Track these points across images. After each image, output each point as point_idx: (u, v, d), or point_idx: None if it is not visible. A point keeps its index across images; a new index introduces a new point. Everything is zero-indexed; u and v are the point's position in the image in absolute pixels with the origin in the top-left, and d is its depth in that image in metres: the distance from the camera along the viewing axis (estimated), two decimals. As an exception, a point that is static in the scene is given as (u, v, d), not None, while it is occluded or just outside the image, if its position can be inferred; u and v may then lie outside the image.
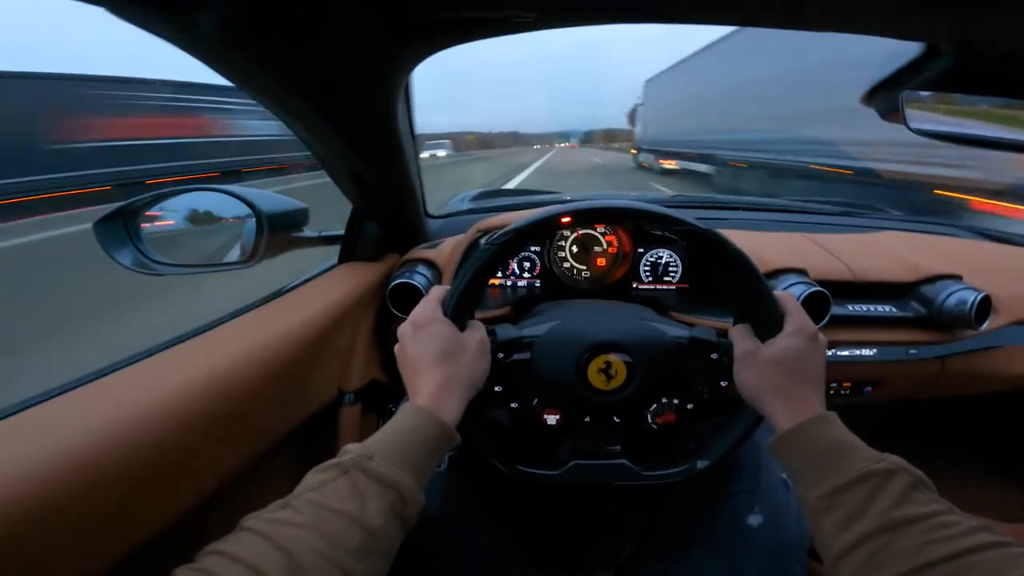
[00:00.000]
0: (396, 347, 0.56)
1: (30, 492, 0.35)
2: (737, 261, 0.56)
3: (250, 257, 0.74)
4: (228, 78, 0.47)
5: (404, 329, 0.55)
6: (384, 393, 0.82)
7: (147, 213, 0.74)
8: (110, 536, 0.42)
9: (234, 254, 0.77)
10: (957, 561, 0.34)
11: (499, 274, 0.85)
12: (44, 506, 0.36)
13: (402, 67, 0.51)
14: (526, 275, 0.85)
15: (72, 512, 0.38)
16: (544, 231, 0.58)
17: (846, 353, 0.88)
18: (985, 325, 0.87)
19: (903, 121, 0.60)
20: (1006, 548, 0.35)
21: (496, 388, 0.63)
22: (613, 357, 0.62)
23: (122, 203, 0.72)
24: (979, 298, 0.84)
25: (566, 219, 0.56)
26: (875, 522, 0.39)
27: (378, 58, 0.49)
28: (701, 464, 0.62)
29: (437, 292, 0.58)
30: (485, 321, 0.60)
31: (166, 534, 0.46)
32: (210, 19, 0.39)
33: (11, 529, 0.34)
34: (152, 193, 0.74)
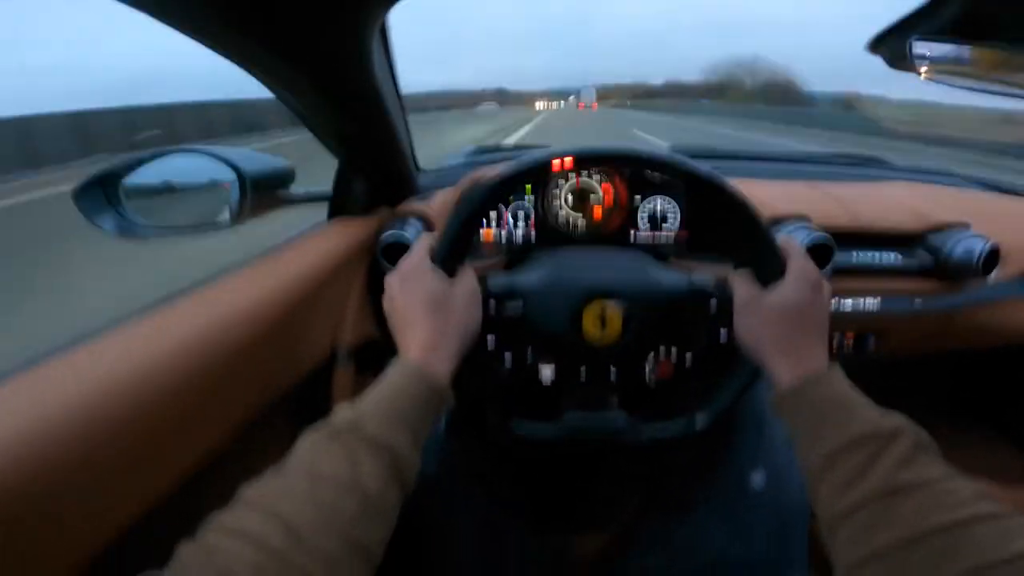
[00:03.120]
0: (384, 299, 0.55)
1: (12, 471, 0.34)
2: (736, 204, 0.54)
3: (235, 218, 0.72)
4: (191, 35, 0.45)
5: (392, 279, 0.54)
6: (379, 351, 0.82)
7: (127, 177, 0.72)
8: (104, 509, 0.41)
9: (220, 216, 0.75)
10: (957, 530, 0.34)
11: (493, 225, 0.83)
12: (28, 484, 0.34)
13: (374, 10, 0.48)
14: (521, 227, 0.84)
15: (62, 489, 0.37)
16: (535, 177, 0.56)
17: (849, 304, 0.87)
18: (993, 275, 0.85)
19: (914, 69, 0.58)
20: (1007, 519, 0.34)
21: (489, 341, 0.62)
22: (608, 305, 0.60)
23: (100, 170, 0.69)
24: (987, 247, 0.82)
25: (556, 164, 0.54)
26: (875, 485, 0.38)
27: (346, 1, 0.46)
28: (700, 420, 0.61)
29: (425, 240, 0.56)
30: (477, 273, 0.58)
31: (165, 503, 0.46)
32: None
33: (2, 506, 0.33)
34: (131, 156, 0.71)
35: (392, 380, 0.46)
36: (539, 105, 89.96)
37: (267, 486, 0.37)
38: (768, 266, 0.53)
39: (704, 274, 0.65)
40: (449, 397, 0.48)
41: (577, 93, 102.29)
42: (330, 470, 0.38)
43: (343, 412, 0.43)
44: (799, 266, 0.52)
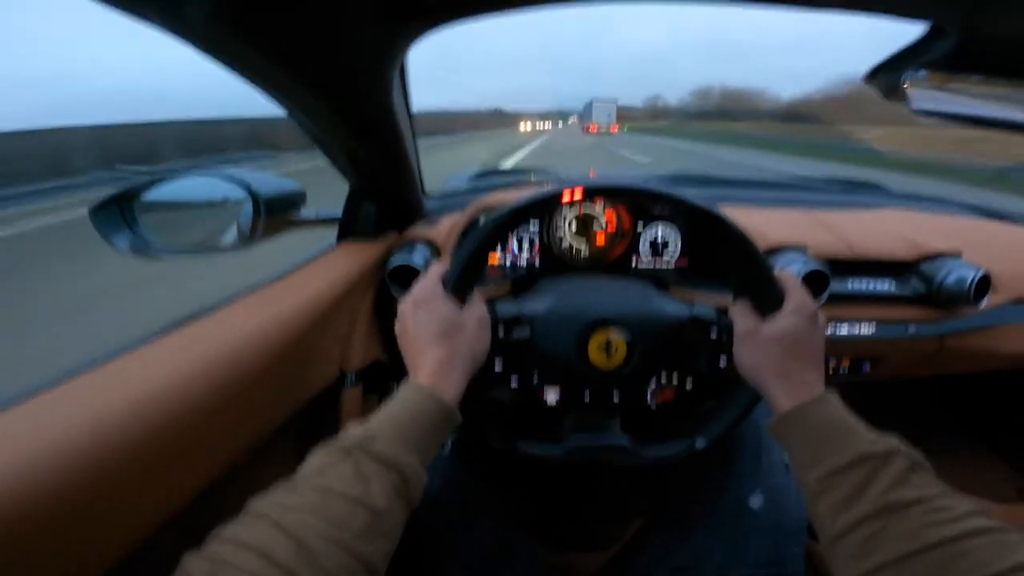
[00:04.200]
0: (396, 325, 0.56)
1: (33, 484, 0.35)
2: (737, 239, 0.55)
3: (247, 240, 0.74)
4: (217, 60, 0.46)
5: (404, 306, 0.55)
6: (386, 373, 0.83)
7: (142, 196, 0.74)
8: (117, 525, 0.42)
9: (231, 237, 0.77)
10: (952, 545, 0.35)
11: (498, 252, 0.85)
12: (48, 498, 0.36)
13: (398, 44, 0.50)
14: (525, 253, 0.85)
15: (77, 503, 0.38)
16: (543, 209, 0.57)
17: (845, 330, 0.88)
18: (984, 303, 0.87)
19: (906, 102, 0.60)
20: (1001, 534, 0.35)
21: (496, 365, 0.64)
22: (613, 334, 0.62)
23: (117, 189, 0.71)
24: (978, 275, 0.84)
25: (566, 197, 0.56)
26: (872, 505, 0.39)
27: (373, 35, 0.48)
28: (700, 443, 0.62)
29: (437, 269, 0.57)
30: (486, 300, 0.60)
31: (174, 519, 0.47)
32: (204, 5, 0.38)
33: (15, 523, 0.34)
34: (148, 178, 0.73)
35: (402, 401, 0.47)
36: (524, 127, 65.28)
37: (275, 499, 0.38)
38: (766, 298, 0.55)
39: (705, 303, 0.66)
40: (457, 419, 0.50)
41: (585, 111, 63.95)
42: (339, 486, 0.39)
43: (353, 430, 0.44)
44: (796, 298, 0.54)
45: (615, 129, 54.13)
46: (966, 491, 0.40)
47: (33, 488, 0.35)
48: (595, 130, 51.96)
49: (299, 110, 0.60)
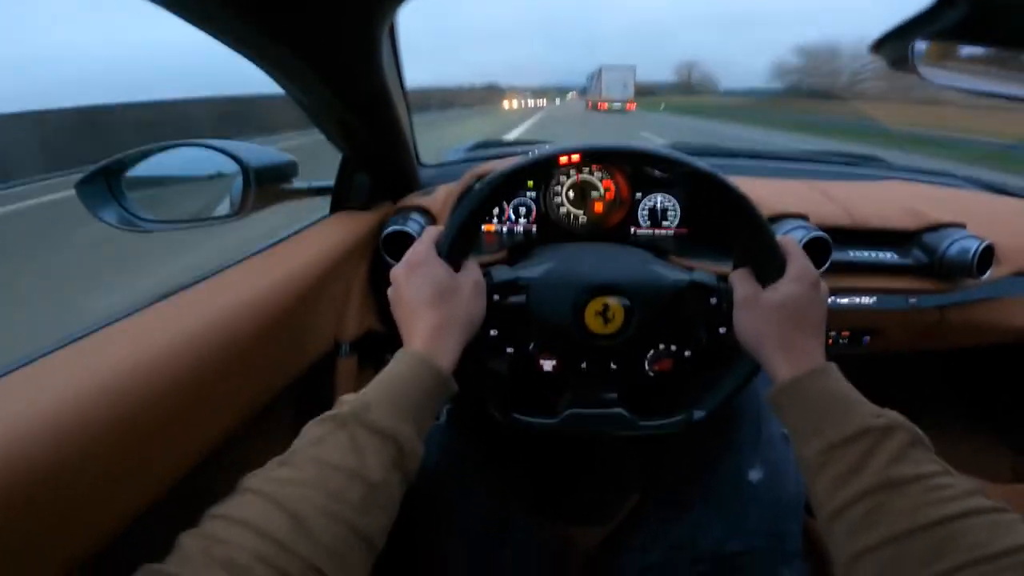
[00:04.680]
0: (390, 290, 0.55)
1: (18, 461, 0.34)
2: (739, 204, 0.54)
3: (238, 211, 0.72)
4: (203, 28, 0.45)
5: (398, 271, 0.54)
6: (381, 342, 0.82)
7: (130, 170, 0.72)
8: (110, 501, 0.41)
9: (222, 208, 0.76)
10: (950, 524, 0.35)
11: (495, 220, 0.84)
12: (37, 474, 0.35)
13: (383, 7, 0.49)
14: (522, 221, 0.84)
15: (67, 480, 0.37)
16: (540, 172, 0.56)
17: (846, 301, 0.88)
18: (987, 275, 0.86)
19: (914, 71, 0.58)
20: (999, 514, 0.35)
21: (492, 332, 0.63)
22: (611, 300, 0.61)
23: (104, 161, 0.69)
24: (982, 247, 0.83)
25: (563, 159, 0.55)
26: (871, 480, 0.39)
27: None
28: (698, 414, 0.62)
29: (431, 232, 0.56)
30: (481, 266, 0.59)
31: (168, 496, 0.46)
32: None
33: (4, 498, 0.33)
34: (135, 150, 0.72)
35: (397, 370, 0.47)
36: (510, 104, 48.57)
37: (270, 475, 0.37)
38: (768, 265, 0.54)
39: (704, 270, 0.65)
40: (452, 387, 0.49)
41: (591, 82, 50.91)
42: (335, 458, 0.38)
43: (348, 401, 0.43)
44: (798, 265, 0.53)
45: (632, 106, 39.51)
46: (965, 468, 0.39)
47: (22, 463, 0.34)
48: (605, 107, 39.44)
49: (286, 77, 0.58)
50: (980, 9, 0.45)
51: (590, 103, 44.84)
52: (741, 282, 0.56)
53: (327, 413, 0.42)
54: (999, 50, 0.55)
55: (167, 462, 0.47)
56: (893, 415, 0.42)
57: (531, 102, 59.20)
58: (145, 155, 0.72)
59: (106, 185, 0.70)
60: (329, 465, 0.38)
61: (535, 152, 0.55)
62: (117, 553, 0.41)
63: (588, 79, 51.78)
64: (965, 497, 0.36)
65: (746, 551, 0.70)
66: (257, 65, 0.53)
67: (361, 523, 0.37)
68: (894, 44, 0.57)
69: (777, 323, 0.51)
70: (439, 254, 0.54)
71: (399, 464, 0.41)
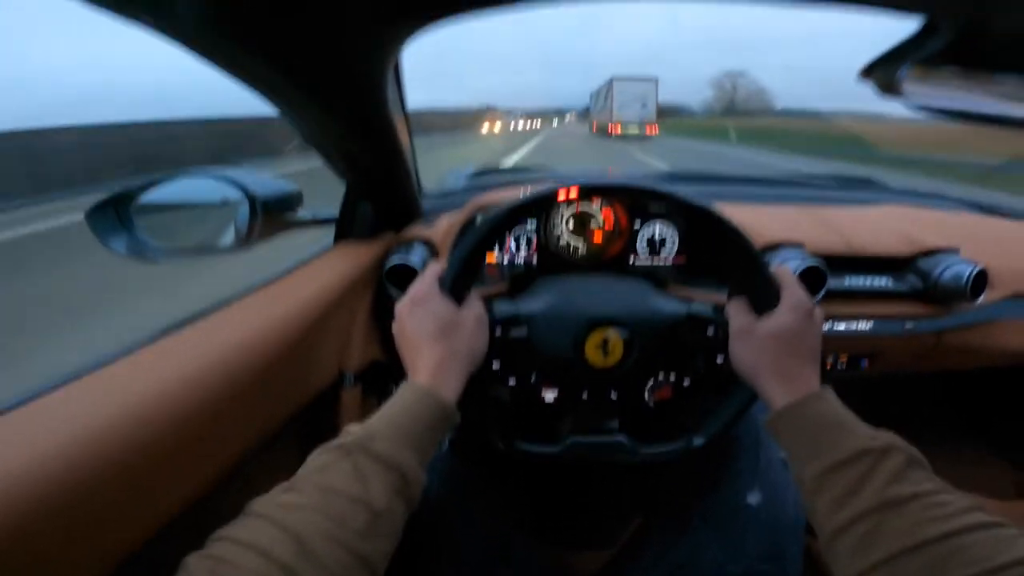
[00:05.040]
0: (394, 324, 0.56)
1: (31, 491, 0.35)
2: (732, 236, 0.56)
3: (244, 241, 0.73)
4: (208, 61, 0.46)
5: (401, 306, 0.55)
6: (385, 373, 0.83)
7: (138, 199, 0.73)
8: (117, 530, 0.42)
9: (228, 238, 0.77)
10: (950, 541, 0.35)
11: (496, 251, 0.85)
12: (46, 504, 0.35)
13: (392, 43, 0.50)
14: (523, 252, 0.85)
15: (76, 509, 0.37)
16: (540, 207, 0.58)
17: (843, 326, 0.88)
18: (981, 298, 0.87)
19: (902, 97, 0.60)
20: (999, 529, 0.35)
21: (494, 364, 0.64)
22: (610, 333, 0.62)
23: (113, 191, 0.71)
24: (975, 271, 0.84)
25: (562, 195, 0.56)
26: (870, 501, 0.39)
27: (367, 34, 0.47)
28: (697, 441, 0.63)
29: (434, 268, 0.57)
30: (483, 298, 0.60)
31: (175, 524, 0.46)
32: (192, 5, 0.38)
33: (16, 527, 0.33)
34: (143, 180, 0.73)
35: (401, 401, 0.48)
36: (491, 127, 38.07)
37: (276, 499, 0.38)
38: (763, 296, 0.55)
39: (702, 301, 0.67)
40: (456, 417, 0.50)
41: (597, 100, 35.21)
42: (339, 485, 0.39)
43: (353, 430, 0.44)
44: (793, 295, 0.54)
45: (653, 130, 29.05)
46: (964, 488, 0.40)
47: (33, 493, 0.35)
48: (617, 130, 28.28)
49: (291, 110, 0.60)
50: (965, 35, 0.47)
51: (595, 126, 32.43)
52: (737, 313, 0.57)
53: (332, 442, 0.43)
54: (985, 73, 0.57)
55: (175, 491, 0.48)
56: (889, 436, 0.43)
57: (522, 124, 46.43)
58: (153, 184, 0.74)
59: (115, 214, 0.71)
60: (333, 492, 0.39)
61: (535, 191, 0.57)
62: (126, 573, 0.42)
63: (593, 96, 36.00)
64: (964, 513, 0.37)
65: (747, 572, 0.70)
66: (263, 97, 0.54)
67: (364, 549, 0.37)
68: (883, 70, 0.59)
69: (772, 352, 0.52)
70: (442, 289, 0.55)
71: (402, 492, 0.42)
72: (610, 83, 29.26)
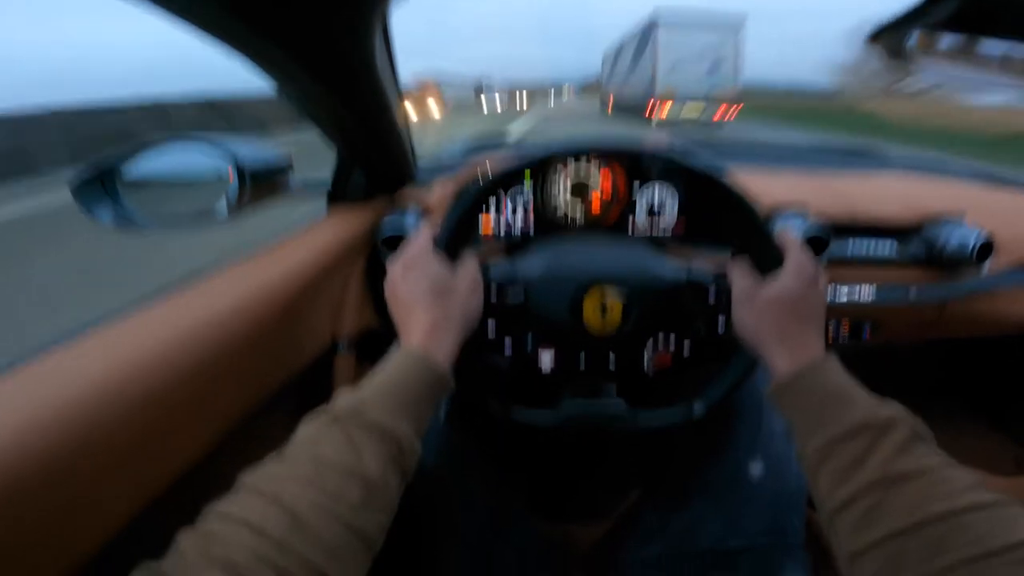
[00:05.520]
0: (386, 286, 0.55)
1: (15, 463, 0.34)
2: (735, 200, 0.54)
3: (234, 209, 0.72)
4: (191, 27, 0.44)
5: (394, 267, 0.54)
6: (379, 339, 0.82)
7: (124, 168, 0.72)
8: (106, 502, 0.41)
9: (219, 207, 0.75)
10: (953, 519, 0.34)
11: (492, 217, 0.84)
12: (32, 477, 0.35)
13: (376, 4, 0.48)
14: (519, 218, 0.84)
15: (64, 481, 0.37)
16: (536, 169, 0.56)
17: (845, 292, 0.87)
18: (987, 266, 0.86)
19: (911, 63, 0.58)
20: (1002, 508, 0.35)
21: (489, 327, 0.63)
22: (608, 294, 0.61)
23: (97, 160, 0.69)
24: (981, 238, 0.83)
25: (560, 158, 0.55)
26: (872, 475, 0.38)
27: None
28: (698, 408, 0.62)
29: (428, 227, 0.56)
30: (479, 262, 0.58)
31: (167, 493, 0.46)
32: None
33: (3, 499, 0.33)
34: (128, 147, 0.71)
35: (393, 366, 0.47)
36: (424, 113, 21.05)
37: (268, 472, 0.37)
38: (766, 258, 0.54)
39: (703, 264, 0.65)
40: (450, 383, 0.49)
41: (619, 64, 17.88)
42: (332, 456, 0.38)
43: (344, 398, 0.43)
44: (796, 258, 0.53)
45: (730, 113, 14.50)
46: (965, 461, 0.39)
47: (15, 466, 0.34)
48: (663, 111, 14.39)
49: (278, 75, 0.58)
50: (973, 1, 0.45)
51: (613, 102, 20.83)
52: (739, 275, 0.56)
53: (323, 410, 0.42)
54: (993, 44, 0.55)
55: (167, 461, 0.47)
56: (894, 408, 0.42)
57: (497, 103, 33.24)
58: (138, 152, 0.72)
59: (101, 185, 0.70)
60: (326, 463, 0.38)
61: (530, 150, 0.55)
62: (117, 550, 0.41)
63: (612, 55, 21.13)
64: (967, 492, 0.36)
65: (747, 545, 0.70)
66: (247, 63, 0.53)
67: (359, 521, 0.36)
68: (891, 36, 0.58)
69: (775, 317, 0.51)
70: (436, 247, 0.53)
71: (397, 462, 0.41)
72: (650, 29, 14.51)
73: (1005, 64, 0.56)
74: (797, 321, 0.51)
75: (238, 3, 0.42)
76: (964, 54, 0.56)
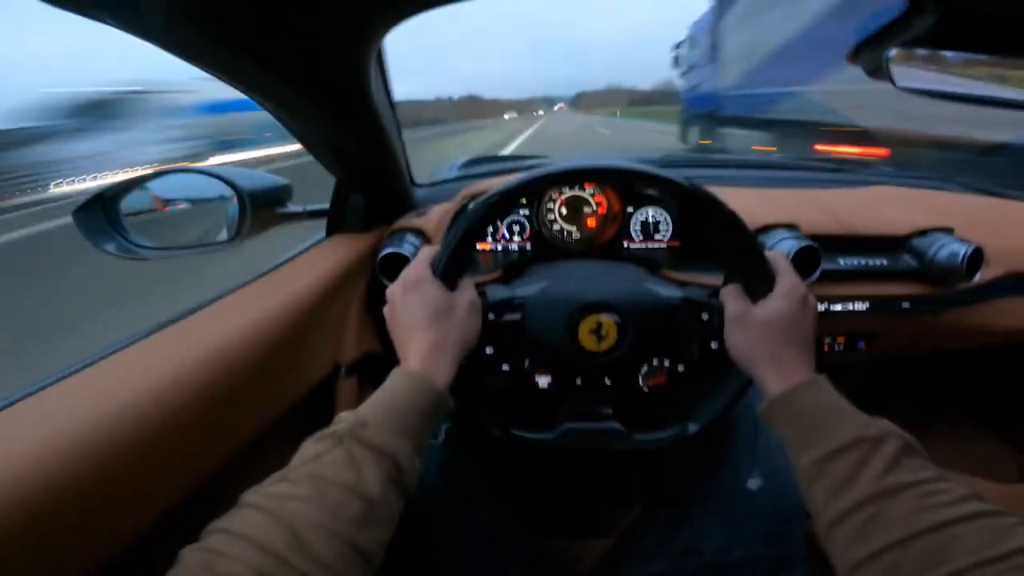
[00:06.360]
0: (386, 309, 0.56)
1: (30, 484, 0.35)
2: (727, 220, 0.55)
3: (235, 236, 0.73)
4: (189, 60, 0.45)
5: (393, 291, 0.55)
6: (380, 364, 0.83)
7: (126, 197, 0.73)
8: (113, 523, 0.42)
9: (220, 234, 0.76)
10: (947, 529, 0.35)
11: (489, 239, 0.85)
12: (45, 497, 0.36)
13: (373, 31, 0.50)
14: (516, 239, 0.85)
15: (72, 502, 0.38)
16: (532, 192, 0.57)
17: (839, 307, 0.88)
18: (977, 277, 0.87)
19: (889, 79, 0.60)
20: (997, 518, 0.35)
21: (487, 350, 0.64)
22: (604, 318, 0.62)
23: (100, 190, 0.70)
24: (970, 250, 0.84)
25: (554, 180, 0.56)
26: (866, 490, 0.39)
27: (347, 23, 0.47)
28: (692, 427, 0.63)
29: (427, 253, 0.57)
30: (476, 285, 0.59)
31: (170, 516, 0.47)
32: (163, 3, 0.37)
33: (12, 521, 0.34)
34: (130, 177, 0.73)
35: (393, 387, 0.48)
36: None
37: (269, 490, 0.38)
38: (757, 282, 0.55)
39: (696, 286, 0.66)
40: (449, 403, 0.50)
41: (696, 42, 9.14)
42: (332, 474, 0.39)
43: (345, 419, 0.44)
44: (787, 281, 0.54)
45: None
46: (967, 470, 0.40)
47: (29, 488, 0.35)
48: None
49: (277, 106, 0.59)
50: (950, 16, 0.47)
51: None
52: (731, 299, 0.57)
53: (324, 430, 0.43)
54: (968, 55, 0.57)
55: (171, 484, 0.48)
56: (884, 424, 0.43)
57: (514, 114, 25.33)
58: (140, 182, 0.73)
59: (103, 213, 0.71)
60: (326, 481, 0.38)
61: (525, 175, 0.56)
62: (122, 567, 0.42)
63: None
64: (961, 502, 0.36)
65: (749, 558, 0.70)
66: (245, 93, 0.54)
67: (359, 539, 0.37)
68: (870, 52, 0.59)
69: (767, 339, 0.52)
70: (434, 273, 0.55)
71: (396, 480, 0.42)
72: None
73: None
74: (788, 343, 0.52)
75: (235, 37, 0.43)
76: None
